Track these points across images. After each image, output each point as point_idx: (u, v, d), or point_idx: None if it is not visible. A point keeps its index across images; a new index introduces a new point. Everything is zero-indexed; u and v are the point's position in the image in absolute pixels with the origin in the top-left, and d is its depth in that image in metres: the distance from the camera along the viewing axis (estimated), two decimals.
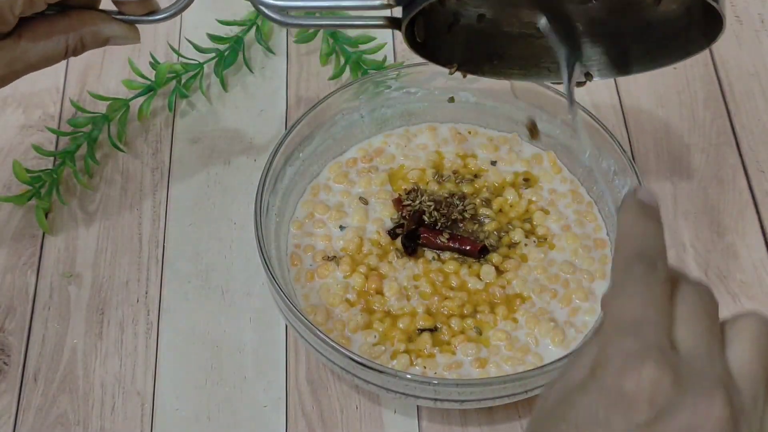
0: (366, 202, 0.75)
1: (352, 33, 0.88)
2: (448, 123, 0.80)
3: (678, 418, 0.39)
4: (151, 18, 0.66)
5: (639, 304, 0.42)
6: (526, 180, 0.77)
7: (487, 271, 0.71)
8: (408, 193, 0.75)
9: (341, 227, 0.74)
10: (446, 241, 0.72)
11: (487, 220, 0.74)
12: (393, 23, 0.63)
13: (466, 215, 0.74)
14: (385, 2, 0.61)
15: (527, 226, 0.74)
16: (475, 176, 0.77)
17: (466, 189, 0.76)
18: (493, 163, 0.78)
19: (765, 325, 0.43)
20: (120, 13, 0.66)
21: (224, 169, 0.81)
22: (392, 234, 0.73)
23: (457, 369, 0.67)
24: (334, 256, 0.72)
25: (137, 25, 0.67)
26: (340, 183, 0.76)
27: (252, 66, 0.87)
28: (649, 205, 0.45)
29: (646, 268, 0.43)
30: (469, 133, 0.79)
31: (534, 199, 0.76)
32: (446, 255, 0.73)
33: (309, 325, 0.64)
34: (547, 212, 0.75)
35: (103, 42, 0.66)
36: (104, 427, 0.69)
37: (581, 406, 0.41)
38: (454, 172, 0.77)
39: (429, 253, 0.73)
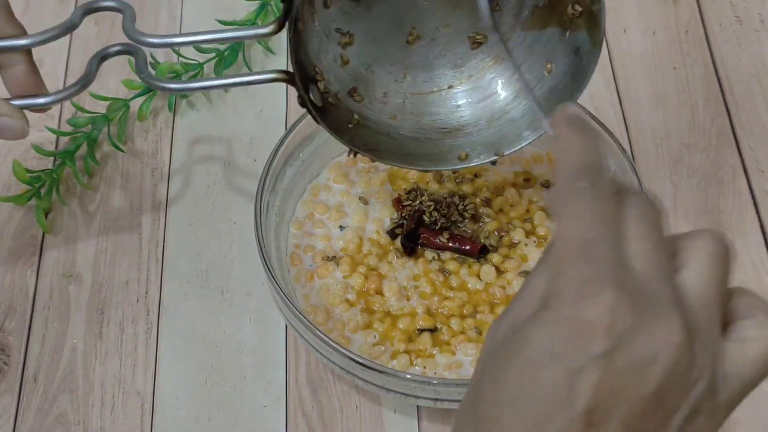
0: (366, 202, 0.75)
1: None
2: None
3: (636, 345, 0.38)
4: (36, 101, 0.64)
5: (588, 223, 0.41)
6: (526, 180, 0.77)
7: (487, 271, 0.71)
8: (408, 192, 0.75)
9: (341, 227, 0.74)
10: (446, 241, 0.72)
11: (487, 220, 0.74)
12: (288, 78, 0.61)
13: (467, 215, 0.74)
14: (272, 29, 0.59)
15: (528, 226, 0.74)
16: (475, 176, 0.77)
17: (467, 188, 0.76)
18: (493, 162, 0.77)
19: (720, 244, 0.41)
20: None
21: (224, 169, 0.81)
22: (392, 234, 0.73)
23: (457, 369, 0.67)
24: (334, 256, 0.72)
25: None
26: (339, 183, 0.76)
27: (252, 66, 0.87)
28: (581, 118, 0.44)
29: (590, 183, 0.41)
30: None
31: (534, 198, 0.75)
32: (446, 255, 0.73)
33: (309, 325, 0.65)
34: (547, 212, 0.75)
35: None
36: (104, 427, 0.69)
37: (535, 339, 0.39)
38: (454, 172, 0.77)
39: (429, 253, 0.73)
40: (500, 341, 0.41)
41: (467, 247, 0.72)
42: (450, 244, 0.72)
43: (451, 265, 0.72)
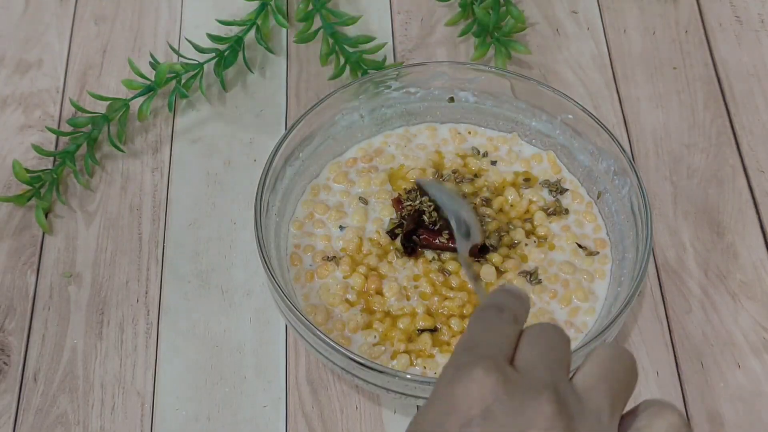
0: (366, 202, 0.75)
1: (352, 33, 0.88)
2: (447, 123, 0.80)
3: (509, 416, 0.40)
4: None
5: (479, 330, 0.45)
6: (526, 180, 0.77)
7: (487, 271, 0.71)
8: (408, 192, 0.75)
9: (341, 227, 0.74)
10: (446, 241, 0.72)
11: (488, 220, 0.74)
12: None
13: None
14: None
15: (528, 225, 0.74)
16: (475, 176, 0.77)
17: (467, 188, 0.76)
18: (493, 162, 0.78)
19: (617, 351, 0.44)
20: None
21: (224, 169, 0.81)
22: (392, 234, 0.73)
23: None
24: (334, 256, 0.72)
25: None
26: (339, 183, 0.76)
27: (252, 66, 0.87)
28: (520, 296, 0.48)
29: (495, 311, 0.46)
30: (469, 133, 0.79)
31: (534, 198, 0.75)
32: (446, 255, 0.73)
33: (309, 325, 0.64)
34: (547, 212, 0.75)
35: None
36: (104, 427, 0.69)
37: (421, 420, 0.42)
38: (454, 172, 0.77)
39: (429, 253, 0.73)
40: None
41: None
42: (450, 244, 0.72)
43: (451, 265, 0.72)
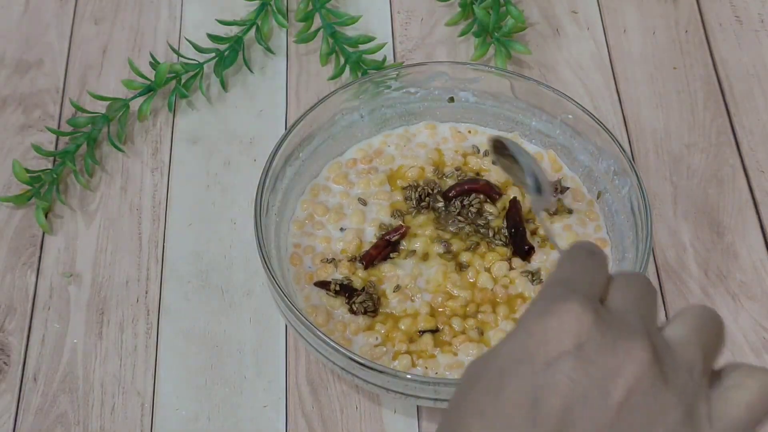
0: (365, 203, 0.75)
1: (352, 33, 0.88)
2: (447, 122, 0.80)
3: (601, 355, 0.39)
4: None
5: (573, 268, 0.44)
6: None
7: (500, 266, 0.71)
8: (405, 189, 0.75)
9: (342, 229, 0.74)
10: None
11: (490, 218, 0.74)
12: None
13: (472, 210, 0.74)
14: None
15: (531, 225, 0.74)
16: (477, 174, 0.77)
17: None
18: (494, 162, 0.78)
19: (707, 311, 0.44)
20: None
21: (224, 169, 0.81)
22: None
23: (458, 369, 0.67)
24: (333, 258, 0.72)
25: None
26: (339, 183, 0.76)
27: (252, 66, 0.87)
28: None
29: (587, 253, 0.45)
30: (469, 132, 0.79)
31: None
32: (457, 246, 0.72)
33: (309, 326, 0.64)
34: (550, 212, 0.75)
35: None
36: (104, 427, 0.69)
37: (503, 352, 0.41)
38: (457, 169, 0.77)
39: (437, 247, 0.72)
40: (477, 364, 0.42)
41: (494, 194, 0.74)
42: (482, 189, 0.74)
43: (465, 257, 0.72)
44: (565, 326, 0.40)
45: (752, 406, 0.41)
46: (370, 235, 0.74)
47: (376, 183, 0.76)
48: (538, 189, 0.69)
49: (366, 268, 0.72)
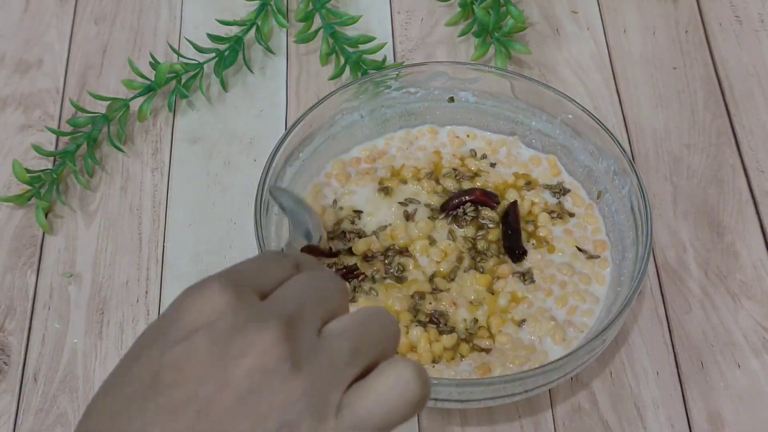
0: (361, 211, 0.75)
1: (352, 33, 0.88)
2: (448, 126, 0.79)
3: (228, 335, 0.38)
4: None
5: (246, 263, 0.43)
6: (527, 183, 0.76)
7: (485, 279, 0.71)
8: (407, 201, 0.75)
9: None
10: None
11: (490, 226, 0.74)
12: None
13: (467, 216, 0.74)
14: None
15: (530, 227, 0.74)
16: (475, 174, 0.77)
17: (466, 186, 0.76)
18: (493, 165, 0.78)
19: (374, 308, 0.42)
20: None
21: (224, 169, 0.81)
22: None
23: (456, 368, 0.67)
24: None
25: None
26: (339, 183, 0.76)
27: (252, 66, 0.87)
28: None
29: (278, 255, 0.45)
30: (468, 136, 0.79)
31: (536, 200, 0.75)
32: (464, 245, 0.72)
33: None
34: (551, 215, 0.74)
35: None
36: None
37: (145, 332, 0.40)
38: (454, 170, 0.77)
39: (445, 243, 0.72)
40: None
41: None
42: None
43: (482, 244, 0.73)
44: (198, 305, 0.39)
45: (384, 396, 0.39)
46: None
47: (376, 183, 0.76)
48: (307, 233, 0.67)
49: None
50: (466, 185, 0.76)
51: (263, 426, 0.37)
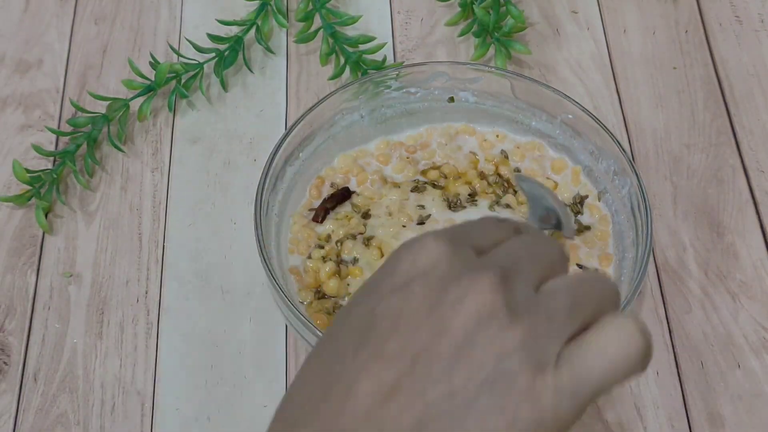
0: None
1: (352, 33, 0.88)
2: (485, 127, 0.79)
3: (444, 284, 0.38)
4: None
5: (464, 225, 0.43)
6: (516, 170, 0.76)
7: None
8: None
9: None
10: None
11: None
12: None
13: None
14: None
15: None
16: (507, 182, 0.76)
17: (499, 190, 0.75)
18: (517, 170, 0.77)
19: (598, 275, 0.42)
20: None
21: (224, 169, 0.81)
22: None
23: None
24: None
25: None
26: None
27: (252, 66, 0.87)
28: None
29: (497, 219, 0.44)
30: (497, 137, 0.78)
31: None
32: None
33: (309, 326, 0.64)
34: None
35: None
36: (104, 427, 0.69)
37: (363, 284, 0.41)
38: (482, 177, 0.76)
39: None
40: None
41: None
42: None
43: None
44: (414, 256, 0.39)
45: (606, 351, 0.37)
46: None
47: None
48: (558, 225, 0.65)
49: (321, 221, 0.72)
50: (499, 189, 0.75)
51: (478, 375, 0.36)
